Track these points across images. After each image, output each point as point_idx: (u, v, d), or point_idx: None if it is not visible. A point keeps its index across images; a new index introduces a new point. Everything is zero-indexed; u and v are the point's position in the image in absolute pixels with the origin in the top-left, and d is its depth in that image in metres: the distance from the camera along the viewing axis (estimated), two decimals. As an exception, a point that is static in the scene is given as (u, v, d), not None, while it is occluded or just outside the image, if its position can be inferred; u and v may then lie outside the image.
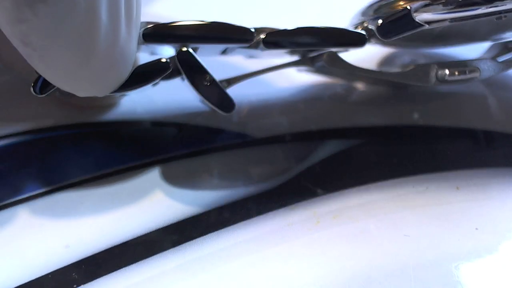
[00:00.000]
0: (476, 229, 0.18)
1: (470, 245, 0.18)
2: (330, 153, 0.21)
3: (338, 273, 0.17)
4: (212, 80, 0.18)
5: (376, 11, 0.19)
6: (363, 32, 0.19)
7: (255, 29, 0.18)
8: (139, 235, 0.18)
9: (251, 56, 0.21)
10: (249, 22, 0.18)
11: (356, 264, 0.17)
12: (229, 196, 0.20)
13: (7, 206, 0.19)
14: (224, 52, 0.19)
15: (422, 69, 0.20)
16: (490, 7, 0.17)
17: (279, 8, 0.31)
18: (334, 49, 0.20)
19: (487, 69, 0.20)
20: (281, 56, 0.21)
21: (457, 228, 0.18)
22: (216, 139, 0.22)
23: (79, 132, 0.22)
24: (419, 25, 0.18)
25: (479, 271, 0.17)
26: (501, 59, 0.20)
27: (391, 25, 0.18)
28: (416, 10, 0.17)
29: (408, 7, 0.17)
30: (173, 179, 0.21)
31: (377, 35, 0.18)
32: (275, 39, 0.18)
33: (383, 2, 0.18)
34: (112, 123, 0.22)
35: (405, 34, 0.18)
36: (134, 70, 0.17)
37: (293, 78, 0.23)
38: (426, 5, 0.17)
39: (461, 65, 0.20)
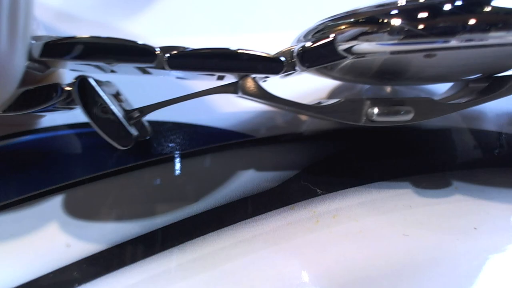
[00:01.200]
0: (475, 228, 0.18)
1: (469, 245, 0.18)
2: (329, 154, 0.21)
3: (338, 272, 0.17)
4: (110, 111, 0.17)
5: (314, 35, 0.17)
6: (282, 58, 0.17)
7: (161, 48, 0.16)
8: (139, 234, 0.18)
9: (178, 77, 0.19)
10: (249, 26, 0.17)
11: (355, 264, 0.17)
12: (229, 196, 0.20)
13: (8, 206, 0.19)
14: (145, 71, 0.18)
15: (351, 105, 0.18)
16: (437, 43, 0.15)
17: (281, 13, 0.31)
18: (253, 75, 0.18)
19: (424, 112, 0.18)
20: (211, 79, 0.19)
21: (455, 228, 0.18)
22: (216, 139, 0.22)
23: (80, 132, 0.22)
24: (341, 56, 0.16)
25: (478, 270, 0.17)
26: (462, 100, 0.19)
27: (313, 53, 0.17)
28: (349, 39, 0.16)
29: (332, 36, 0.16)
30: (170, 179, 0.21)
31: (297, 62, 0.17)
32: (179, 60, 0.16)
33: (321, 27, 0.17)
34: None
35: (325, 64, 0.17)
36: (23, 92, 0.16)
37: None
38: (365, 34, 0.16)
39: (398, 103, 0.18)
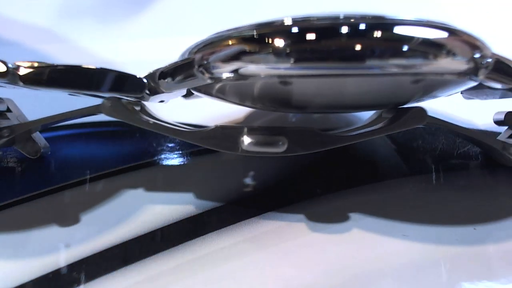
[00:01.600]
0: (474, 229, 0.18)
1: (469, 245, 0.18)
2: (327, 154, 0.21)
3: (337, 272, 0.17)
4: None
5: (192, 52, 0.16)
6: (145, 80, 0.16)
7: (17, 64, 0.15)
8: (138, 235, 0.18)
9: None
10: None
11: (354, 264, 0.17)
12: (229, 196, 0.20)
13: (8, 206, 0.19)
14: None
15: (226, 132, 0.17)
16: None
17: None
18: (117, 95, 0.17)
19: (303, 144, 0.17)
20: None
21: (455, 228, 0.18)
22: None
23: (80, 132, 0.22)
24: (202, 79, 0.15)
25: (477, 271, 0.17)
26: (362, 130, 0.18)
27: (170, 74, 0.16)
28: (217, 61, 0.15)
29: (192, 57, 0.15)
30: (170, 179, 0.21)
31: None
32: (32, 76, 0.15)
33: (202, 44, 0.15)
34: (112, 122, 0.22)
35: (184, 88, 0.16)
36: None
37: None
38: (241, 55, 0.15)
39: (275, 133, 0.17)
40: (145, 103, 0.18)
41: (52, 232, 0.18)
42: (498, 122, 0.19)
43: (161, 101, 0.19)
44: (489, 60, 0.15)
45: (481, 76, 0.15)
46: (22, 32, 0.26)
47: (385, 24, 0.14)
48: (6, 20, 0.24)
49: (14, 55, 0.24)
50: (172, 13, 0.28)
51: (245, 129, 0.17)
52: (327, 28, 0.14)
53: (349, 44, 0.14)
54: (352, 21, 0.14)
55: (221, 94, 0.17)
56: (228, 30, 0.15)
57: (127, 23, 0.27)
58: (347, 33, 0.14)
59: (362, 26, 0.14)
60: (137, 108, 0.18)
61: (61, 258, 0.17)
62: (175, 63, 0.16)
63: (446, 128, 0.18)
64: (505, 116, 0.18)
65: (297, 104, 0.18)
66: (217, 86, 0.16)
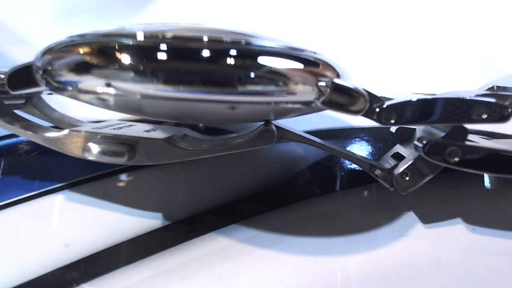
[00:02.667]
0: (474, 229, 0.18)
1: (468, 245, 0.18)
2: (327, 155, 0.21)
3: (336, 272, 0.17)
4: None
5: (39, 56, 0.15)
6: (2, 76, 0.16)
7: None
8: (138, 235, 0.18)
9: None
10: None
11: (353, 264, 0.17)
12: (228, 196, 0.20)
13: (7, 205, 0.19)
14: None
15: (75, 137, 0.17)
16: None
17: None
18: None
19: (149, 155, 0.17)
20: None
21: (454, 228, 0.18)
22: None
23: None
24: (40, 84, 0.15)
25: (477, 271, 0.17)
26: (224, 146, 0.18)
27: (14, 76, 0.15)
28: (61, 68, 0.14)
29: (32, 61, 0.15)
30: (171, 178, 0.21)
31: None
32: None
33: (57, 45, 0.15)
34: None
35: (26, 91, 0.16)
36: None
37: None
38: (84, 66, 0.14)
39: (124, 142, 0.17)
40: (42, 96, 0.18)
41: (51, 232, 0.18)
42: (392, 134, 0.19)
43: (50, 93, 0.18)
44: (328, 88, 0.15)
45: (320, 104, 0.15)
46: (21, 31, 0.26)
47: (229, 50, 0.14)
48: (6, 19, 0.24)
49: (14, 54, 0.24)
50: (171, 13, 0.28)
51: (98, 136, 0.17)
52: (173, 49, 0.14)
53: (187, 69, 0.14)
54: (192, 44, 0.14)
55: (88, 102, 0.16)
56: (80, 36, 0.15)
57: (126, 23, 0.27)
58: (187, 57, 0.14)
59: (206, 53, 0.14)
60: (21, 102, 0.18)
61: (60, 258, 0.17)
62: (16, 66, 0.15)
63: (308, 143, 0.18)
64: (395, 131, 0.18)
65: (161, 115, 0.18)
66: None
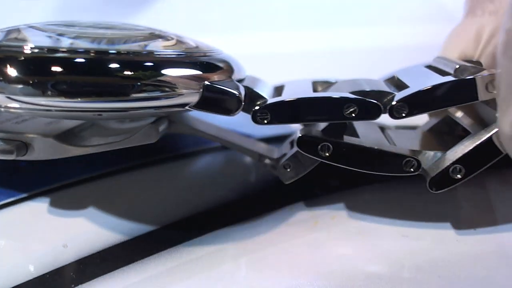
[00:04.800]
0: (474, 229, 0.18)
1: (468, 246, 0.18)
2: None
3: (337, 273, 0.17)
4: None
5: None
6: None
7: None
8: (137, 235, 0.18)
9: None
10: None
11: (354, 265, 0.17)
12: (228, 196, 0.20)
13: (6, 205, 0.19)
14: None
15: None
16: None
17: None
18: None
19: (41, 152, 0.18)
20: None
21: (455, 228, 0.18)
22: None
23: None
24: None
25: (477, 271, 0.17)
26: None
27: None
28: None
29: None
30: (169, 179, 0.21)
31: None
32: None
33: None
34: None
35: None
36: None
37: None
38: None
39: (17, 139, 0.17)
40: None
41: (49, 233, 0.18)
42: None
43: None
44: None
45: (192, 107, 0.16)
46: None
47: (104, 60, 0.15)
48: (5, 18, 0.24)
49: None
50: (171, 13, 0.28)
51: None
52: (57, 62, 0.15)
53: (66, 82, 0.15)
54: (73, 57, 0.15)
55: None
56: None
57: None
58: (71, 68, 0.15)
59: (82, 66, 0.15)
60: None
61: (58, 258, 0.17)
62: None
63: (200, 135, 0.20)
64: (297, 139, 0.18)
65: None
66: None
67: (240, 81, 0.18)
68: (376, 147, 0.17)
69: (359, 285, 0.16)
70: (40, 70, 0.15)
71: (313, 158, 0.18)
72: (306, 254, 0.17)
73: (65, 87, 0.15)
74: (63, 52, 0.15)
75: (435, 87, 0.16)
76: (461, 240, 0.18)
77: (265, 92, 0.18)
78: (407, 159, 0.17)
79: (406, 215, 0.19)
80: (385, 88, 0.18)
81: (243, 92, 0.17)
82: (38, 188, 0.20)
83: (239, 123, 0.22)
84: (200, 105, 0.16)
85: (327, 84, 0.20)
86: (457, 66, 0.17)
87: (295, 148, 0.18)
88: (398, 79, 0.19)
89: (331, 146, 0.17)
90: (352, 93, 0.17)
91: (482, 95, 0.16)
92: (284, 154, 0.19)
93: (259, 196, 0.20)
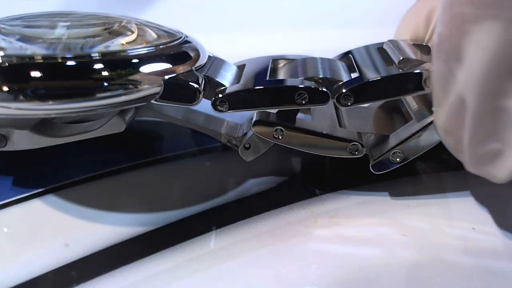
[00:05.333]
0: (473, 229, 0.18)
1: (467, 245, 0.18)
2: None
3: (336, 271, 0.17)
4: None
5: None
6: None
7: None
8: (138, 234, 0.18)
9: None
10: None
11: (353, 263, 0.17)
12: (228, 196, 0.20)
13: (7, 205, 0.19)
14: None
15: None
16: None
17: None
18: None
19: (16, 142, 0.19)
20: None
21: (454, 228, 0.18)
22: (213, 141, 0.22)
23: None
24: None
25: (477, 271, 0.17)
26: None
27: None
28: None
29: None
30: (170, 178, 0.21)
31: None
32: None
33: None
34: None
35: None
36: None
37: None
38: None
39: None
40: None
41: (51, 232, 0.18)
42: None
43: None
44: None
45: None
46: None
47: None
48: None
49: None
50: (172, 13, 0.28)
51: None
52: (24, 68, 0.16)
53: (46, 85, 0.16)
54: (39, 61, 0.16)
55: None
56: None
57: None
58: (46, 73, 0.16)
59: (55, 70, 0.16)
60: None
61: (60, 257, 0.17)
62: None
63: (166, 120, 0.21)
64: (253, 123, 0.19)
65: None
66: None
67: (201, 67, 0.19)
68: (324, 132, 0.19)
69: (359, 284, 0.16)
70: (11, 78, 0.16)
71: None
72: (306, 253, 0.18)
73: (34, 92, 0.16)
74: (31, 59, 0.16)
75: (379, 80, 0.17)
76: (460, 239, 0.18)
77: (227, 76, 0.19)
78: (353, 143, 0.19)
79: (405, 214, 0.19)
80: (337, 72, 0.19)
81: (202, 83, 0.18)
82: (39, 187, 0.20)
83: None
84: (162, 98, 0.17)
85: (286, 61, 0.20)
86: (401, 58, 0.18)
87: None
88: (353, 59, 0.20)
89: (284, 131, 0.18)
90: (306, 78, 0.18)
91: (423, 88, 0.18)
92: (246, 133, 0.20)
93: (259, 196, 0.20)
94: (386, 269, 0.17)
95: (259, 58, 0.21)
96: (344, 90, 0.18)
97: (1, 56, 0.16)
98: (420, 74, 0.17)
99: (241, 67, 0.21)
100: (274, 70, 0.20)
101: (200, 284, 0.17)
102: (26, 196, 0.20)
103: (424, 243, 0.18)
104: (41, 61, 0.16)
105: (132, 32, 0.19)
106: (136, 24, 0.20)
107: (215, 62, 0.20)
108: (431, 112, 0.18)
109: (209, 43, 0.22)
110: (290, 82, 0.18)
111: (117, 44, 0.18)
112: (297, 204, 0.19)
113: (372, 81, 0.18)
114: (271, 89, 0.18)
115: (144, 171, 0.21)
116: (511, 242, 0.17)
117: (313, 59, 0.20)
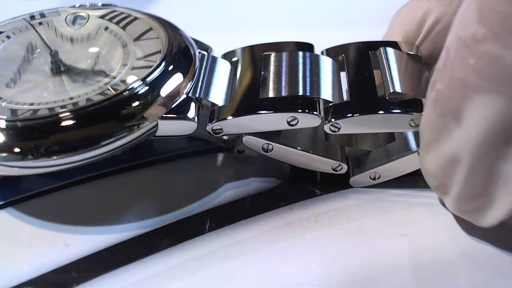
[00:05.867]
0: (473, 229, 0.18)
1: (468, 245, 0.18)
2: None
3: (336, 272, 0.17)
4: None
5: None
6: None
7: None
8: (138, 234, 0.18)
9: None
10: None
11: (353, 264, 0.17)
12: (229, 196, 0.20)
13: (8, 205, 0.19)
14: None
15: None
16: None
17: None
18: None
19: None
20: None
21: (454, 227, 0.18)
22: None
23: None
24: None
25: (477, 271, 0.17)
26: None
27: None
28: None
29: None
30: (171, 178, 0.21)
31: None
32: None
33: None
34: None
35: None
36: None
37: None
38: None
39: None
40: None
41: (51, 232, 0.18)
42: None
43: None
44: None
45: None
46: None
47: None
48: (5, 18, 0.24)
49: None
50: (171, 12, 0.28)
51: None
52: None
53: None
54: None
55: None
56: None
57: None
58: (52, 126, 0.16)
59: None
60: None
61: (60, 257, 0.17)
62: None
63: None
64: (243, 139, 0.19)
65: None
66: None
67: (194, 85, 0.19)
68: (309, 152, 0.19)
69: (359, 284, 0.16)
70: (19, 139, 0.16)
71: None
72: (306, 253, 0.18)
73: (42, 149, 0.16)
74: (33, 120, 0.16)
75: (369, 118, 0.18)
76: (460, 239, 0.18)
77: (219, 91, 0.19)
78: (335, 163, 0.19)
79: (405, 214, 0.19)
80: (330, 91, 0.19)
81: (196, 109, 0.18)
82: (40, 187, 0.20)
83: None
84: (158, 135, 0.18)
85: (275, 66, 0.20)
86: (391, 90, 0.18)
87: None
88: (344, 62, 0.20)
89: (272, 146, 0.19)
90: (295, 97, 0.18)
91: (409, 128, 0.18)
92: (239, 136, 0.20)
93: (259, 196, 0.20)
94: (386, 269, 0.17)
95: (250, 54, 0.21)
96: (333, 120, 0.18)
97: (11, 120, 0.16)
98: (409, 116, 0.18)
99: (234, 64, 0.21)
100: (265, 82, 0.20)
101: (200, 284, 0.17)
102: (26, 196, 0.20)
103: (425, 243, 0.18)
104: (53, 118, 0.16)
105: (118, 73, 0.19)
106: (120, 46, 0.20)
107: (208, 70, 0.20)
108: (416, 141, 0.19)
109: (209, 43, 0.22)
110: (282, 106, 0.18)
111: (116, 85, 0.18)
112: (297, 204, 0.19)
113: (361, 117, 0.18)
114: (266, 117, 0.18)
115: (143, 172, 0.21)
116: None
117: (301, 65, 0.20)
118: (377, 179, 0.19)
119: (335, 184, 0.20)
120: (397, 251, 0.17)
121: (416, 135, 0.19)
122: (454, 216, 0.18)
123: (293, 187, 0.20)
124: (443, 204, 0.19)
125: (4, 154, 0.16)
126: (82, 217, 0.19)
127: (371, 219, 0.19)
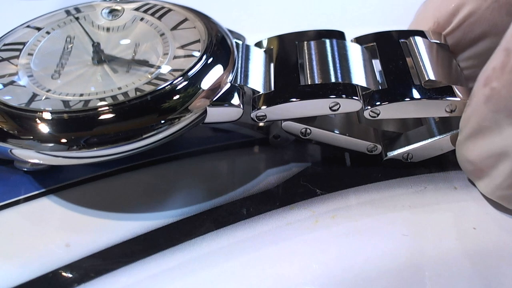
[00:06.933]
0: (474, 228, 0.18)
1: (468, 245, 0.18)
2: (328, 154, 0.21)
3: (337, 272, 0.17)
4: None
5: None
6: None
7: None
8: (139, 234, 0.18)
9: None
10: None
11: (354, 264, 0.17)
12: (229, 196, 0.20)
13: (8, 205, 0.19)
14: None
15: None
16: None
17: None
18: None
19: None
20: None
21: (455, 227, 0.18)
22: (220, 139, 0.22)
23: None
24: None
25: (477, 271, 0.17)
26: None
27: None
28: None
29: None
30: (172, 178, 0.21)
31: None
32: None
33: None
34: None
35: None
36: None
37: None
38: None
39: None
40: None
41: (52, 232, 0.18)
42: None
43: None
44: None
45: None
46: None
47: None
48: (6, 19, 0.24)
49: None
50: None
51: None
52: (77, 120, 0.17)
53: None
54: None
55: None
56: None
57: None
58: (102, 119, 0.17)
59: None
60: None
61: (61, 257, 0.17)
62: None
63: None
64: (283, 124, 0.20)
65: None
66: None
67: (235, 74, 0.19)
68: (346, 135, 0.20)
69: (360, 284, 0.16)
70: (68, 129, 0.17)
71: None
72: (306, 253, 0.18)
73: (93, 139, 0.16)
74: (80, 112, 0.17)
75: (407, 104, 0.18)
76: (460, 239, 0.18)
77: (257, 77, 0.20)
78: (370, 145, 0.20)
79: (406, 214, 0.19)
80: (366, 78, 0.19)
81: (240, 96, 0.19)
82: (40, 188, 0.20)
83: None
84: (206, 123, 0.18)
85: (313, 54, 0.21)
86: (426, 78, 0.19)
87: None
88: (376, 51, 0.21)
89: (310, 131, 0.19)
90: (336, 83, 0.19)
91: (444, 113, 0.19)
92: (273, 123, 0.21)
93: (260, 195, 0.20)
94: (386, 270, 0.17)
95: (284, 43, 0.21)
96: (375, 105, 0.18)
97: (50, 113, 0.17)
98: (445, 102, 0.18)
99: (268, 52, 0.21)
100: (303, 69, 0.20)
101: (200, 284, 0.17)
102: (27, 197, 0.20)
103: (425, 243, 0.18)
104: (108, 107, 0.17)
105: (161, 54, 0.19)
106: (158, 35, 0.20)
107: (244, 58, 0.20)
108: (443, 126, 0.20)
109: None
110: (325, 90, 0.19)
111: (162, 74, 0.18)
112: (297, 204, 0.19)
113: (400, 103, 0.18)
114: (309, 103, 0.19)
115: (145, 172, 0.21)
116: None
117: (337, 53, 0.20)
118: (410, 159, 0.20)
119: (335, 183, 0.20)
120: (398, 251, 0.17)
121: (443, 121, 0.20)
122: (454, 216, 0.18)
123: (294, 187, 0.20)
124: (443, 204, 0.19)
125: (51, 144, 0.16)
126: (82, 217, 0.19)
127: (372, 219, 0.19)
